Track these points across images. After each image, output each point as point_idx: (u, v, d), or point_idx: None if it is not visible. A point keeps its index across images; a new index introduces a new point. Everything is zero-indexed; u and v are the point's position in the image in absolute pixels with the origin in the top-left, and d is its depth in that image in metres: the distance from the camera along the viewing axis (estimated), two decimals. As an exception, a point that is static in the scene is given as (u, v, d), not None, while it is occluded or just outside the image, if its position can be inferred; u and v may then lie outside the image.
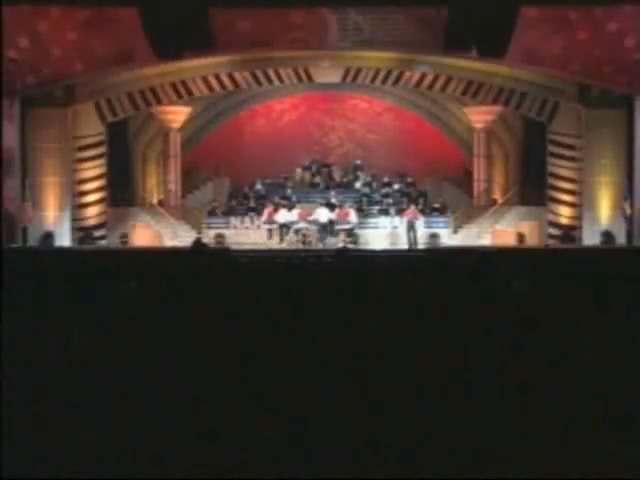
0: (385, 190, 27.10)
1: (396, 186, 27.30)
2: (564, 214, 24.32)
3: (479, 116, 26.72)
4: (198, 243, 17.06)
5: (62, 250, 22.02)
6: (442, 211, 26.06)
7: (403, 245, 23.90)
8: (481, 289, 9.07)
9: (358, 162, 28.40)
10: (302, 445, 3.92)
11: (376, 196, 26.81)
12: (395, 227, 24.82)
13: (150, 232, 24.55)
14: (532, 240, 24.42)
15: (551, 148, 24.56)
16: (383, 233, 25.06)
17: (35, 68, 22.28)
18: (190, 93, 24.98)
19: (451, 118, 28.21)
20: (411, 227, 23.70)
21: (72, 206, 23.90)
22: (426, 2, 22.21)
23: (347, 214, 24.37)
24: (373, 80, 25.15)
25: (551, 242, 23.99)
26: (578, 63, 22.41)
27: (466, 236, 25.64)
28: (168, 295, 8.58)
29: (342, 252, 17.13)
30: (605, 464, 3.71)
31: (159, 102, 25.07)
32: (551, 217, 24.59)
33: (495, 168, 27.68)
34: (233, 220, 25.58)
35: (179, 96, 25.01)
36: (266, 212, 24.77)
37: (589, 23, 22.22)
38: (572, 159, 24.05)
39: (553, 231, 24.47)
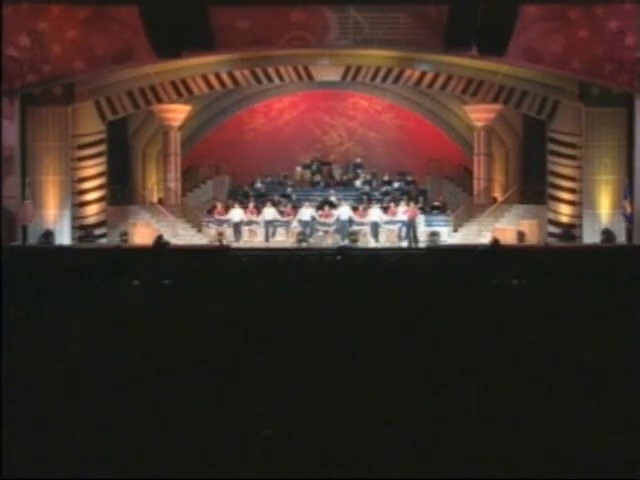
0: (385, 188, 27.09)
1: (396, 184, 27.30)
2: (564, 212, 24.31)
3: (479, 114, 26.71)
4: (159, 240, 17.15)
5: (62, 248, 22.03)
6: (442, 209, 26.05)
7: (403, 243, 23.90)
8: (481, 287, 9.07)
9: (358, 160, 28.41)
10: (301, 445, 3.92)
11: (376, 194, 26.80)
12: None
13: (150, 230, 24.51)
14: (532, 238, 24.40)
15: (551, 146, 24.56)
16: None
17: (35, 66, 22.27)
18: (190, 91, 24.98)
19: (451, 116, 28.21)
20: (411, 226, 23.68)
21: (72, 204, 23.90)
22: (426, 0, 22.18)
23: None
24: (373, 78, 25.16)
25: (551, 240, 23.98)
26: (578, 61, 22.40)
27: (466, 234, 25.64)
28: (168, 293, 8.57)
29: (342, 250, 17.13)
30: (605, 464, 3.71)
31: (159, 100, 25.07)
32: (551, 215, 24.59)
33: (495, 166, 27.68)
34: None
35: (179, 94, 25.01)
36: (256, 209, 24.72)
37: (589, 21, 22.22)
38: (572, 157, 24.04)
39: (553, 229, 24.46)
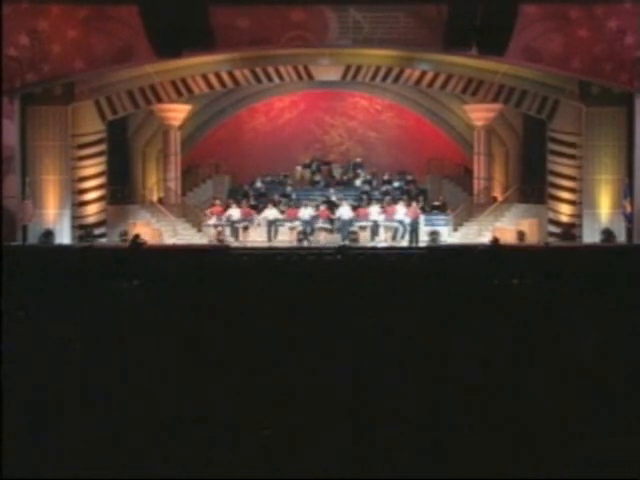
0: (385, 188, 27.08)
1: (396, 184, 27.28)
2: (564, 212, 24.30)
3: (479, 114, 26.71)
4: (135, 240, 17.29)
5: (62, 248, 22.01)
6: (442, 209, 26.03)
7: (404, 242, 23.90)
8: (481, 287, 9.07)
9: (358, 160, 28.39)
10: (301, 444, 3.92)
11: (376, 194, 26.78)
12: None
13: (150, 230, 24.52)
14: (532, 238, 24.40)
15: (551, 146, 24.55)
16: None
17: (35, 66, 22.25)
18: (190, 91, 24.97)
19: (451, 116, 28.20)
20: (412, 225, 23.69)
21: (72, 204, 23.88)
22: (426, 0, 22.18)
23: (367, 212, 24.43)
24: (373, 78, 25.14)
25: (551, 240, 23.97)
26: (578, 61, 22.39)
27: (466, 234, 25.63)
28: (168, 293, 8.57)
29: (342, 249, 17.13)
30: (604, 463, 3.71)
31: (159, 100, 25.05)
32: (551, 215, 24.58)
33: (495, 166, 27.67)
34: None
35: (179, 94, 24.99)
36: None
37: (589, 20, 22.21)
38: (572, 157, 24.03)
39: (553, 229, 24.45)
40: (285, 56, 24.24)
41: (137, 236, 18.23)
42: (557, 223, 24.39)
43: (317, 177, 28.16)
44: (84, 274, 10.36)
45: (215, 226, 24.27)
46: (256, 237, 24.48)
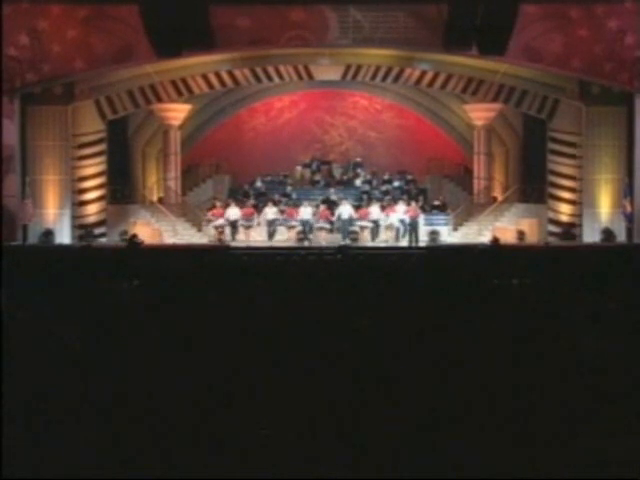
0: (385, 187, 27.09)
1: (396, 183, 27.30)
2: (564, 211, 24.30)
3: (479, 113, 26.71)
4: (133, 239, 17.35)
5: (62, 248, 22.00)
6: (442, 208, 26.04)
7: (404, 242, 23.90)
8: (481, 287, 9.07)
9: (358, 159, 28.41)
10: (301, 444, 3.92)
11: (376, 193, 26.80)
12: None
13: (150, 229, 24.54)
14: (532, 237, 24.41)
15: (551, 145, 24.55)
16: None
17: (35, 66, 22.26)
18: (190, 90, 24.97)
19: (451, 115, 28.20)
20: (412, 225, 23.69)
21: (72, 204, 23.89)
22: (426, -1, 22.21)
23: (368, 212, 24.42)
24: (373, 77, 25.14)
25: (551, 240, 23.97)
26: (578, 60, 22.39)
27: (466, 234, 25.63)
28: (168, 293, 8.57)
29: (342, 249, 17.16)
30: (604, 463, 3.71)
31: (159, 100, 25.05)
32: (551, 214, 24.58)
33: (495, 165, 27.68)
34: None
35: (179, 94, 24.99)
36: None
37: (589, 20, 22.22)
38: (572, 156, 24.03)
39: (553, 228, 24.45)
40: (285, 56, 24.24)
41: (134, 236, 18.27)
42: (557, 223, 24.39)
43: (317, 177, 28.18)
44: (84, 274, 10.36)
45: (217, 227, 24.26)
46: (256, 237, 24.48)
